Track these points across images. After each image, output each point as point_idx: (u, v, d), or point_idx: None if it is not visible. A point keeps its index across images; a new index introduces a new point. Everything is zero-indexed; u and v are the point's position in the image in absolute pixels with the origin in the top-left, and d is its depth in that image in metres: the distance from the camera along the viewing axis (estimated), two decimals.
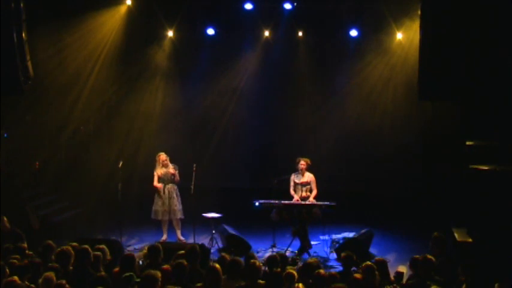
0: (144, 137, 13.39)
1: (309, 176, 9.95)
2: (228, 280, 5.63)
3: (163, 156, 10.22)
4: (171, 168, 10.13)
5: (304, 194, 9.88)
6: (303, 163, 9.89)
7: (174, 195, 10.17)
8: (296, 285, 5.45)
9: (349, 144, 13.01)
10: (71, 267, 6.04)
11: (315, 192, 9.85)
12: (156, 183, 10.16)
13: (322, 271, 5.67)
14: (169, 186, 10.17)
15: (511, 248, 7.56)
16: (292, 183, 9.99)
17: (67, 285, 5.23)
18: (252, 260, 5.78)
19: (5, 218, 8.09)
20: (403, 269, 7.07)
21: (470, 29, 8.27)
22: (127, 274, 5.48)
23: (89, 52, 12.23)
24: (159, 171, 10.19)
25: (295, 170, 10.01)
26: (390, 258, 8.92)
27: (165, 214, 10.17)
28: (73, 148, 12.98)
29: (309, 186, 9.92)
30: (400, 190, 12.59)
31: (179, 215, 10.20)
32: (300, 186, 9.93)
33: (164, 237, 10.19)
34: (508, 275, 5.84)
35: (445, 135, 11.87)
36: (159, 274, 5.24)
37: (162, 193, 10.14)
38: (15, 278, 5.45)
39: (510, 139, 8.99)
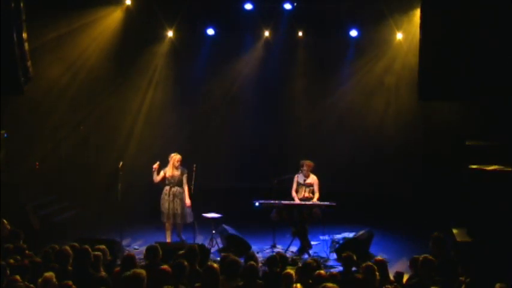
0: (144, 136, 13.39)
1: (312, 178, 9.95)
2: (226, 280, 5.63)
3: (178, 157, 9.95)
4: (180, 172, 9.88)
5: (306, 194, 9.88)
6: (305, 168, 9.87)
7: (179, 198, 9.84)
8: (294, 285, 5.45)
9: (349, 144, 13.01)
10: (70, 268, 6.04)
11: (317, 195, 9.84)
12: (155, 175, 9.79)
13: (322, 271, 5.66)
14: (175, 189, 9.86)
15: (511, 248, 7.56)
16: (295, 185, 9.98)
17: (73, 286, 5.21)
18: (249, 260, 5.78)
19: (5, 221, 8.08)
20: (403, 269, 7.07)
21: (470, 29, 8.27)
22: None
23: (88, 51, 12.23)
24: (168, 172, 9.87)
25: (295, 170, 10.01)
26: (390, 258, 8.92)
27: (170, 217, 9.84)
28: (73, 148, 12.98)
29: (312, 188, 9.92)
30: (400, 190, 12.59)
31: (180, 219, 9.86)
32: (303, 187, 9.92)
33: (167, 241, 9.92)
34: (508, 275, 5.83)
35: (445, 135, 11.88)
36: (143, 273, 5.17)
37: (167, 195, 9.85)
38: (17, 277, 5.45)
39: (510, 139, 8.99)
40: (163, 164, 9.98)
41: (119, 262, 7.23)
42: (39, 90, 10.98)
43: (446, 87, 8.63)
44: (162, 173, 9.87)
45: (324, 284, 4.89)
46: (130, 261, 6.09)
